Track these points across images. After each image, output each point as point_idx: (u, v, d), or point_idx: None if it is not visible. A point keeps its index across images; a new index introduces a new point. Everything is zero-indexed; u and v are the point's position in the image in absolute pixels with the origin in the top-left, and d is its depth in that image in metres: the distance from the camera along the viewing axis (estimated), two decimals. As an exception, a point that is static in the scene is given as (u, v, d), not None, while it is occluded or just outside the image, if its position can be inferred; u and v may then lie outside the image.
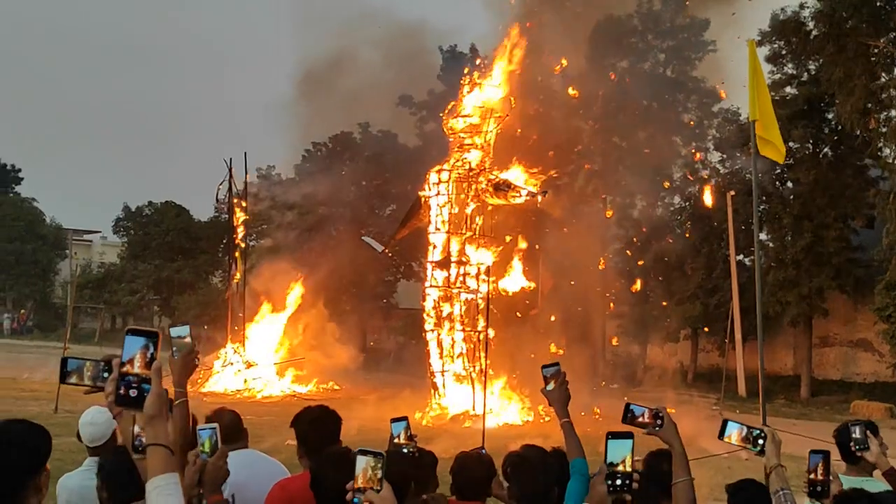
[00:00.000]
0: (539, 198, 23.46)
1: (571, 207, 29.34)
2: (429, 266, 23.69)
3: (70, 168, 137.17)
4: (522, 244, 25.39)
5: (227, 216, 33.80)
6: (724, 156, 32.50)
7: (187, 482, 2.82)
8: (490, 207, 23.48)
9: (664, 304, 31.61)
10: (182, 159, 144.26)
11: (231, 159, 30.60)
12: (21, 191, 61.50)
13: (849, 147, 27.88)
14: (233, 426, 4.42)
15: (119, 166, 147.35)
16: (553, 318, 26.98)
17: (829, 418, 21.64)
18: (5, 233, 52.84)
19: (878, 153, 25.93)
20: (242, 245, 30.96)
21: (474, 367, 21.94)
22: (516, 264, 23.94)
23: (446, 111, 25.09)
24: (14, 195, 59.03)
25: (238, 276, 29.89)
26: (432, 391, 22.36)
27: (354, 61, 39.11)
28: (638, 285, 31.60)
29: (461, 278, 22.76)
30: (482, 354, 18.61)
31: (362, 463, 2.50)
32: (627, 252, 32.76)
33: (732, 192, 28.01)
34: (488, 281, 17.67)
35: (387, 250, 30.26)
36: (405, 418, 3.92)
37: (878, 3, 25.69)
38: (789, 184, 29.75)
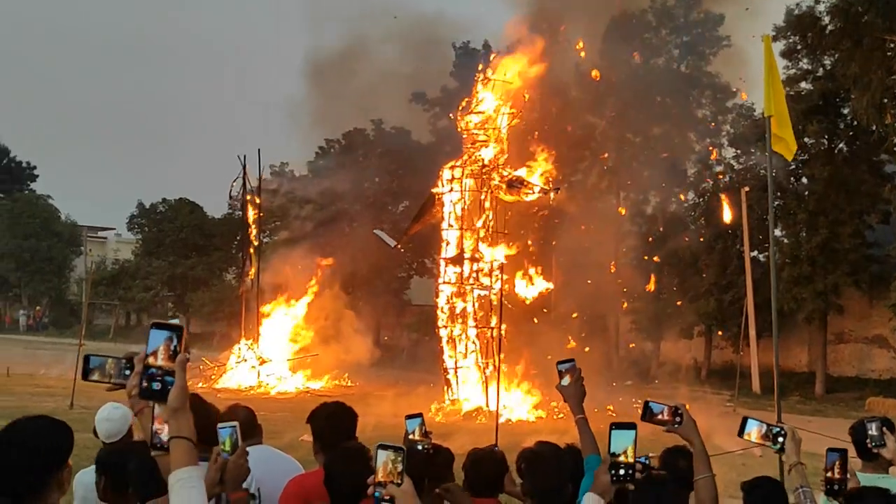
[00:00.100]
0: (552, 194, 23.44)
1: (585, 204, 29.24)
2: (442, 262, 23.70)
3: (84, 166, 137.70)
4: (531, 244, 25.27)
5: (240, 213, 33.88)
6: (739, 151, 32.36)
7: (209, 480, 2.84)
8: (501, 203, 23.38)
9: (678, 303, 31.46)
10: (195, 157, 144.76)
11: (245, 156, 30.75)
12: (36, 188, 62.13)
13: (864, 143, 27.70)
14: (247, 422, 4.42)
15: (132, 165, 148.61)
16: (574, 315, 26.99)
17: (844, 415, 21.47)
18: (21, 230, 53.23)
19: (894, 149, 25.78)
20: (256, 242, 31.02)
21: (487, 363, 21.96)
22: (532, 272, 23.71)
23: (459, 108, 25.08)
24: (29, 192, 59.49)
25: (252, 272, 29.93)
26: (445, 388, 22.39)
27: (368, 57, 39.08)
28: (652, 283, 31.45)
29: (474, 275, 22.75)
30: (496, 351, 18.56)
31: (383, 457, 2.52)
32: (642, 249, 32.61)
33: (747, 188, 27.85)
34: (501, 278, 17.64)
35: (399, 245, 30.26)
36: (420, 415, 3.91)
37: (894, -3, 25.49)
38: (804, 180, 29.56)
